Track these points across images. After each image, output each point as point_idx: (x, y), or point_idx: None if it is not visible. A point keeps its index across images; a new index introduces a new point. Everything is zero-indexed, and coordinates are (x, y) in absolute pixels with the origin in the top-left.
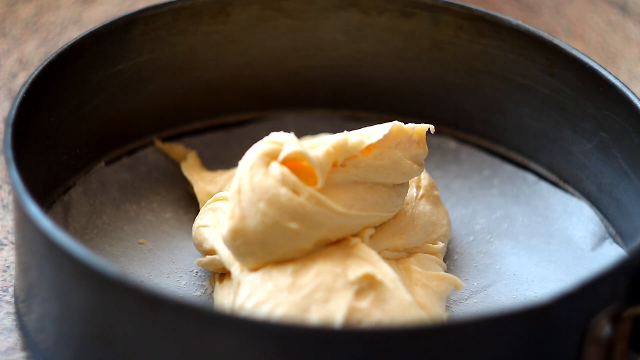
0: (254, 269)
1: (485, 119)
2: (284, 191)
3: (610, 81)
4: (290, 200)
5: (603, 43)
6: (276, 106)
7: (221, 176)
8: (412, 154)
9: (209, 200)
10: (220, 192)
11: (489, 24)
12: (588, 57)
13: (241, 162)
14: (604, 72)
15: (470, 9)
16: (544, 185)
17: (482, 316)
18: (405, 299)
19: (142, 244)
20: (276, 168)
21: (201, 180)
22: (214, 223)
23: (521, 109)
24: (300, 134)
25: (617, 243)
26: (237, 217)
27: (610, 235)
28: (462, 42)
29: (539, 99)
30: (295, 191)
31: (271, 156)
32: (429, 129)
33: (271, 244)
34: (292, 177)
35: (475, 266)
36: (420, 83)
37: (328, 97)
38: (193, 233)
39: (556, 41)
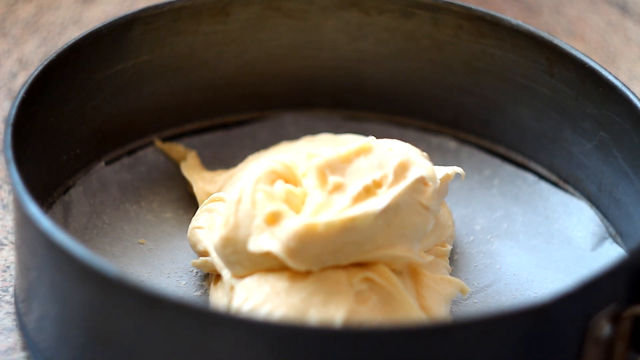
0: (243, 276)
1: (485, 119)
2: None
3: (610, 81)
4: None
5: (603, 43)
6: (276, 106)
7: (221, 176)
8: (441, 196)
9: (206, 201)
10: (217, 193)
11: (489, 24)
12: (588, 57)
13: (247, 173)
14: (604, 72)
15: (470, 9)
16: (544, 185)
17: (482, 316)
18: (406, 302)
19: (142, 243)
20: (281, 187)
21: (201, 180)
22: (209, 224)
23: (521, 109)
24: (300, 134)
25: (617, 243)
26: (230, 226)
27: (610, 235)
28: (462, 42)
29: (539, 99)
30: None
31: (278, 175)
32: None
33: (259, 256)
34: (296, 200)
35: (475, 266)
36: (421, 83)
37: (328, 97)
38: (188, 234)
39: (556, 41)
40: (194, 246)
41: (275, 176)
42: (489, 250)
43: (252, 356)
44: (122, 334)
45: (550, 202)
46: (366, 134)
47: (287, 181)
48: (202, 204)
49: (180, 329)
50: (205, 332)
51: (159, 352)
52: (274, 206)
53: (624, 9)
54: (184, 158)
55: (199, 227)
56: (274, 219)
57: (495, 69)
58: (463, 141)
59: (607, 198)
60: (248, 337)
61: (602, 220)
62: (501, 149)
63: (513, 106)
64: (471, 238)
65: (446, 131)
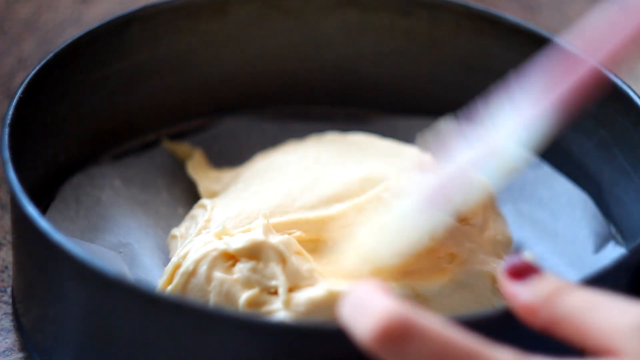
0: None
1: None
2: (246, 294)
3: (610, 79)
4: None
5: None
6: (275, 104)
7: (226, 174)
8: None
9: (195, 205)
10: (201, 200)
11: (488, 22)
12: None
13: (196, 245)
14: (603, 71)
15: (469, 7)
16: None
17: (479, 316)
18: None
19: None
20: (246, 267)
21: (206, 179)
22: (182, 233)
23: None
24: (299, 132)
25: (618, 242)
26: (173, 288)
27: (612, 234)
28: (461, 40)
29: None
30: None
31: (244, 252)
32: None
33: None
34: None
35: None
36: (420, 81)
37: (327, 96)
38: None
39: (556, 39)
40: (169, 254)
41: (239, 253)
42: None
43: (252, 356)
44: (121, 334)
45: (556, 192)
46: (366, 131)
47: (252, 257)
48: (192, 209)
49: (180, 329)
50: (205, 331)
51: (158, 352)
52: (250, 292)
53: None
54: (189, 156)
55: (173, 237)
56: (252, 304)
57: (494, 68)
58: None
59: (608, 196)
60: (248, 336)
61: (603, 220)
62: None
63: None
64: None
65: None
